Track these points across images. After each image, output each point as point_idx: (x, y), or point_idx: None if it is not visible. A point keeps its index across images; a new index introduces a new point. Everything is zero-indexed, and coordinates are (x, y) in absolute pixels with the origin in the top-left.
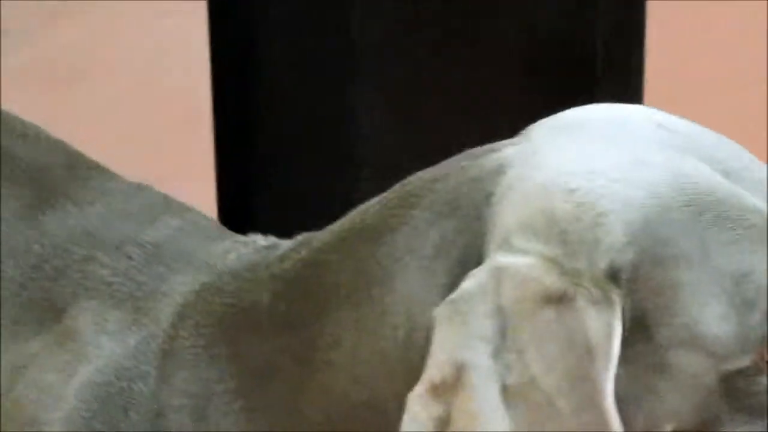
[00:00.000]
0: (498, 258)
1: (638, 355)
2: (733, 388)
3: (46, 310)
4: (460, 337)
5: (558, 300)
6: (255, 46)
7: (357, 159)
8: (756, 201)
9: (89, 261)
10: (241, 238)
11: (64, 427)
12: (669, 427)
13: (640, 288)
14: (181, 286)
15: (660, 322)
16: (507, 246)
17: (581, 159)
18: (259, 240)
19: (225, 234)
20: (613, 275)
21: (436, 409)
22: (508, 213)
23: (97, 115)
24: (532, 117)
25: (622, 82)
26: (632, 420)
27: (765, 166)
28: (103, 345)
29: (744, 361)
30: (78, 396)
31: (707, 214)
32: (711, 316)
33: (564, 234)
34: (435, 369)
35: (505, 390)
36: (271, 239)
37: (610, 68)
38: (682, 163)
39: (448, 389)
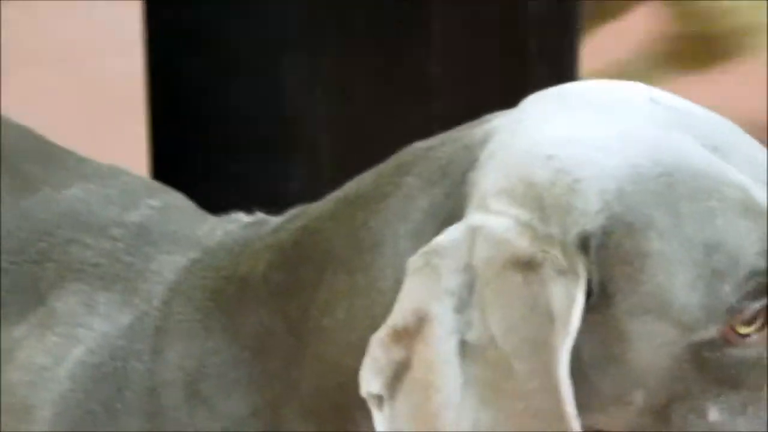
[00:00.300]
0: (474, 217)
1: (606, 322)
2: (702, 360)
3: (31, 294)
4: (428, 287)
5: (526, 265)
6: (189, 29)
7: (291, 144)
8: (740, 176)
9: (73, 243)
10: (223, 216)
11: (58, 408)
12: (638, 395)
13: (610, 255)
14: (171, 264)
15: (627, 289)
16: (484, 207)
17: (564, 128)
18: (243, 217)
19: (206, 214)
20: (584, 242)
21: (397, 354)
22: (489, 177)
23: (29, 100)
24: (466, 100)
25: (556, 66)
26: (601, 386)
27: (756, 143)
28: (94, 326)
29: (711, 332)
30: (71, 377)
31: (683, 185)
32: (678, 286)
33: (539, 199)
34: (399, 315)
35: (464, 345)
36: (259, 215)
37: (543, 53)
38: (666, 136)
39: (409, 336)
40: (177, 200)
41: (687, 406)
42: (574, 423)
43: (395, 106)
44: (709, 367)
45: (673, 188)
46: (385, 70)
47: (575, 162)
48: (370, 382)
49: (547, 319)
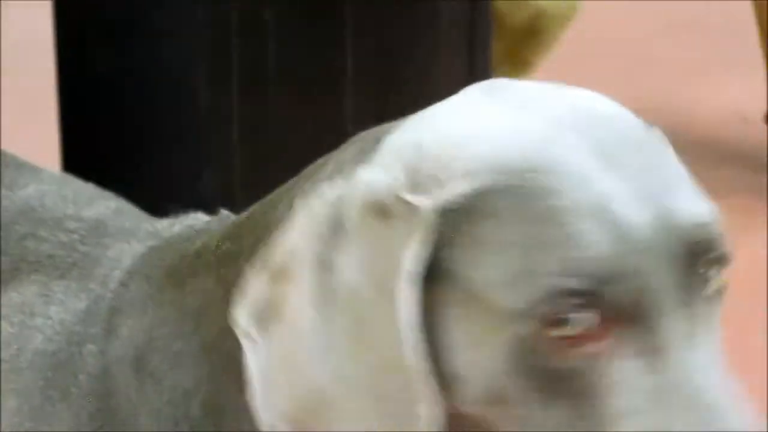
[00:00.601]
0: (359, 170)
1: (443, 302)
2: (521, 362)
3: None
4: (304, 231)
5: (381, 213)
6: (100, 28)
7: (203, 143)
8: (611, 185)
9: (28, 237)
10: (181, 216)
11: (20, 397)
12: (465, 385)
13: (457, 236)
14: (130, 252)
15: (462, 274)
16: (370, 164)
17: (469, 116)
18: (203, 216)
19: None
20: (438, 215)
21: (270, 293)
22: (392, 140)
23: None
24: (379, 96)
25: (470, 62)
26: (441, 369)
27: (672, 161)
28: (51, 315)
29: (528, 327)
30: (31, 366)
31: (539, 182)
32: (503, 278)
33: (417, 167)
34: (275, 254)
35: (329, 289)
36: (224, 213)
37: (457, 51)
38: (553, 137)
39: (280, 277)
40: (129, 205)
41: (511, 411)
42: (420, 379)
43: (308, 101)
44: (530, 372)
45: (530, 184)
46: (298, 66)
47: (459, 145)
48: (242, 317)
49: (392, 267)
